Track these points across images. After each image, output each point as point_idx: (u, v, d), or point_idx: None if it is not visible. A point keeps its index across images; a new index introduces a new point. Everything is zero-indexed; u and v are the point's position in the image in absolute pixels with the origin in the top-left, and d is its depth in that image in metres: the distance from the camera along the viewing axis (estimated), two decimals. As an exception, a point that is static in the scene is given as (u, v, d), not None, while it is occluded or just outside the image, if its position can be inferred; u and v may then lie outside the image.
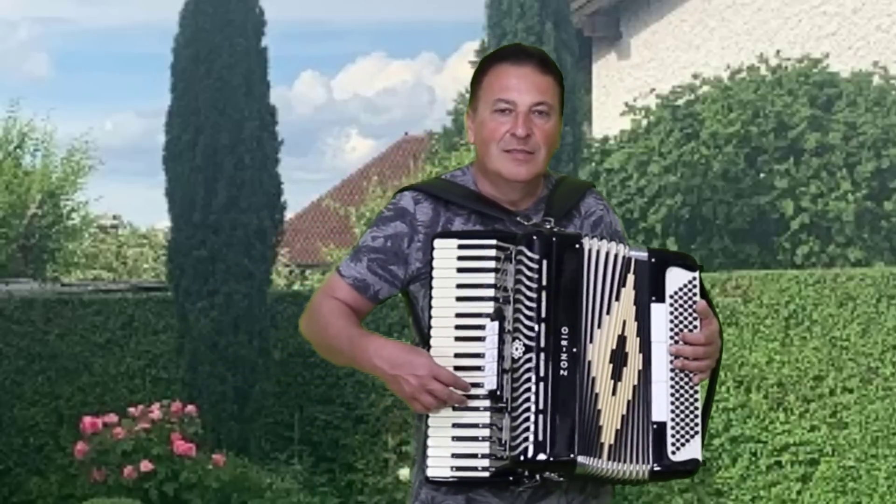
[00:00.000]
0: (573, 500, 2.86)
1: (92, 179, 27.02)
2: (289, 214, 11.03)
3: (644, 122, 11.69)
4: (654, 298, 2.84)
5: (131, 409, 8.69)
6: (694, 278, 2.90)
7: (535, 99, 2.88)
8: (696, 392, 2.85)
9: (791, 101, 10.57)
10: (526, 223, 2.87)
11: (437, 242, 2.81)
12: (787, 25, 12.56)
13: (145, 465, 8.20)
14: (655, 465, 2.79)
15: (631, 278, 2.83)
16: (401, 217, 2.92)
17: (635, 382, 2.80)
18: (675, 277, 2.88)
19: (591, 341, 2.77)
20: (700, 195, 10.51)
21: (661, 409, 2.81)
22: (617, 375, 2.79)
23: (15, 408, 9.88)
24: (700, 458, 2.84)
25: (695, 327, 2.86)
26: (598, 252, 2.81)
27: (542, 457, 2.70)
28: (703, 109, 11.07)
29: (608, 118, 13.66)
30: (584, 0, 14.14)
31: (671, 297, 2.86)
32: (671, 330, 2.84)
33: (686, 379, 2.84)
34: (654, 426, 2.80)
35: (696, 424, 2.84)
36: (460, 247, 2.80)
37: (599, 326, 2.79)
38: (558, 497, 2.83)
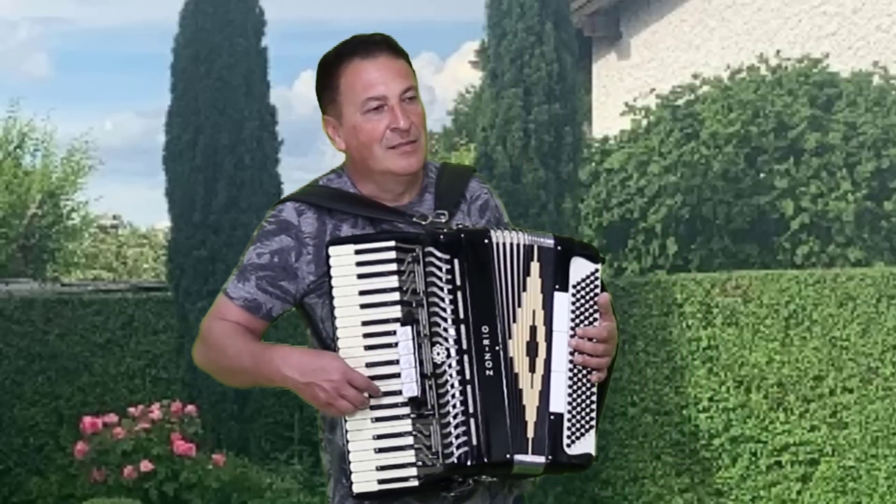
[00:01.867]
0: (496, 495, 2.80)
1: (92, 179, 27.01)
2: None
3: (644, 122, 11.68)
4: (557, 287, 2.76)
5: (131, 409, 8.69)
6: (597, 270, 2.80)
7: (402, 86, 2.79)
8: (592, 385, 2.77)
9: (791, 101, 10.57)
10: (424, 222, 2.79)
11: (332, 250, 2.69)
12: (787, 25, 12.56)
13: (145, 465, 8.20)
14: (550, 456, 2.71)
15: (535, 266, 2.75)
16: (285, 230, 2.80)
17: (542, 372, 2.73)
18: (579, 268, 2.79)
19: (510, 337, 2.70)
20: (700, 195, 10.51)
21: (558, 401, 2.73)
22: (532, 367, 2.72)
23: (15, 408, 9.88)
24: (594, 452, 2.76)
25: (595, 320, 2.78)
26: (503, 244, 2.73)
27: (478, 461, 2.63)
28: (703, 109, 11.06)
29: (608, 118, 13.66)
30: (584, 0, 14.14)
31: (574, 286, 2.78)
32: (572, 321, 2.76)
33: (584, 372, 2.76)
34: (552, 417, 2.72)
35: (592, 419, 2.76)
36: (357, 252, 2.68)
37: (514, 321, 2.71)
38: (482, 494, 2.77)
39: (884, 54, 11.45)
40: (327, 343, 2.77)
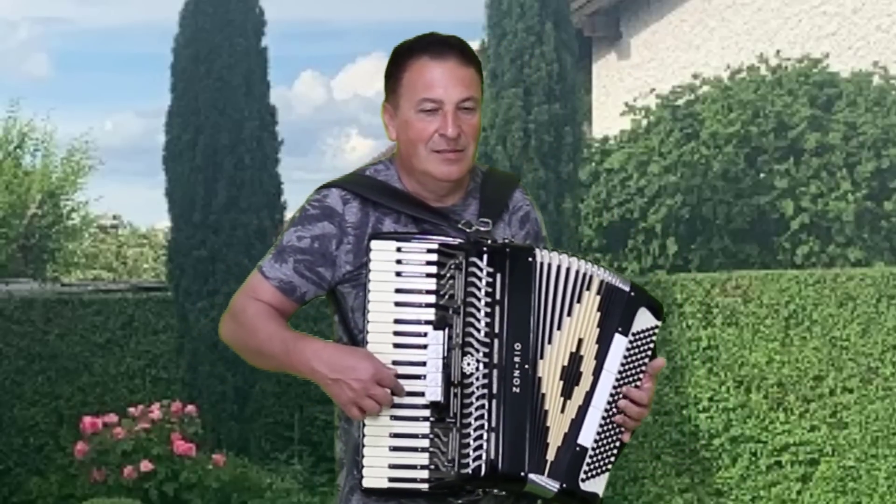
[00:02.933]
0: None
1: (92, 179, 27.02)
2: (289, 214, 11.02)
3: (644, 122, 11.68)
4: (620, 329, 2.78)
5: (131, 409, 8.69)
6: (657, 326, 2.84)
7: (462, 95, 2.78)
8: (620, 434, 2.80)
9: (791, 101, 10.57)
10: (468, 230, 2.78)
11: (375, 244, 2.69)
12: (787, 25, 12.56)
13: (145, 465, 8.20)
14: (564, 484, 2.72)
15: (591, 297, 2.76)
16: (328, 217, 2.80)
17: (580, 403, 2.75)
18: (643, 319, 2.83)
19: (541, 357, 2.71)
20: (700, 195, 10.51)
21: (588, 435, 2.75)
22: (567, 393, 2.73)
23: (15, 408, 9.88)
24: (601, 494, 2.79)
25: (642, 373, 2.82)
26: (549, 265, 2.73)
27: (492, 475, 2.64)
28: (703, 109, 11.06)
29: (608, 118, 13.66)
30: (584, 0, 14.14)
31: (634, 334, 2.80)
32: (622, 366, 2.79)
33: (617, 417, 2.79)
34: (577, 448, 2.74)
35: (610, 462, 2.80)
36: (399, 249, 2.68)
37: (550, 342, 2.72)
38: (488, 502, 2.77)
39: (884, 54, 11.44)
40: (354, 334, 2.78)
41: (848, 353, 8.64)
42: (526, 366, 2.68)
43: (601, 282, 2.78)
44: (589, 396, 2.76)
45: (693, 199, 10.54)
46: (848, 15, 12.03)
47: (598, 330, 2.77)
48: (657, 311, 2.85)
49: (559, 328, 2.73)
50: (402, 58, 2.83)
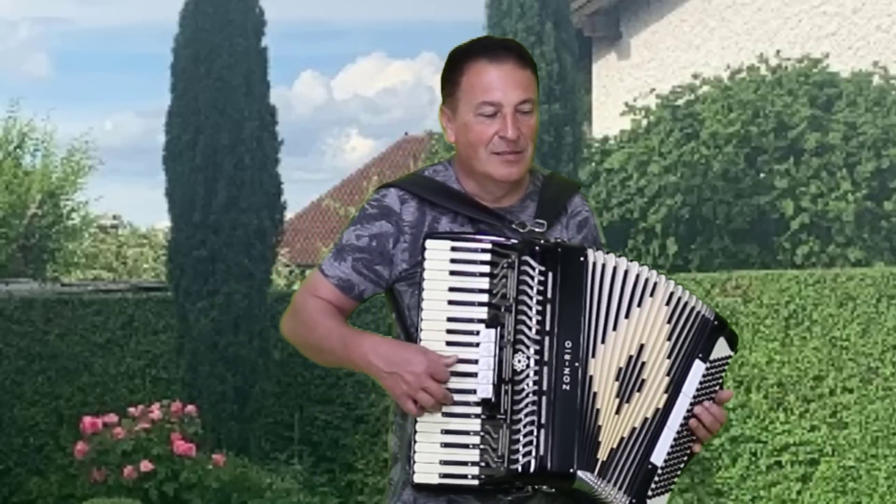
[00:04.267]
0: (553, 502, 2.82)
1: (92, 179, 27.03)
2: (289, 214, 11.03)
3: (644, 122, 11.69)
4: (700, 356, 2.83)
5: (131, 409, 8.69)
6: (730, 356, 2.91)
7: (520, 98, 2.81)
8: (688, 454, 2.86)
9: (791, 101, 10.57)
10: (522, 230, 2.81)
11: (429, 243, 2.73)
12: (787, 25, 12.56)
13: (145, 465, 8.21)
14: (634, 500, 2.77)
15: (661, 308, 2.79)
16: (386, 216, 2.84)
17: (648, 415, 2.78)
18: (721, 348, 2.89)
19: (593, 356, 2.73)
20: (700, 195, 10.51)
21: (660, 454, 2.80)
22: (624, 396, 2.76)
23: (15, 408, 9.89)
24: None
25: (712, 401, 2.87)
26: (603, 266, 2.76)
27: (542, 471, 2.67)
28: (703, 109, 11.07)
29: (608, 118, 13.66)
30: (584, 0, 14.14)
31: (711, 362, 2.86)
32: (698, 390, 2.84)
33: (688, 440, 2.85)
34: (649, 466, 2.78)
35: (673, 482, 2.85)
36: (454, 249, 2.72)
37: (603, 342, 2.74)
38: (538, 499, 2.79)
39: (884, 54, 11.45)
40: (410, 332, 2.80)
41: (848, 353, 8.64)
42: (576, 363, 2.71)
43: (671, 294, 2.81)
44: (664, 416, 2.80)
45: (693, 199, 10.54)
46: (848, 15, 12.03)
47: (668, 343, 2.80)
48: (733, 343, 2.92)
49: (614, 329, 2.75)
50: (460, 61, 2.85)
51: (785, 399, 8.79)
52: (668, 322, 2.81)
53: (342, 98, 63.51)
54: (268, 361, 9.57)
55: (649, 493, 2.79)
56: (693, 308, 2.84)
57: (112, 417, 8.58)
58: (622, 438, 2.76)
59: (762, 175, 10.49)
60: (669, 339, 2.81)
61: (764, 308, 8.86)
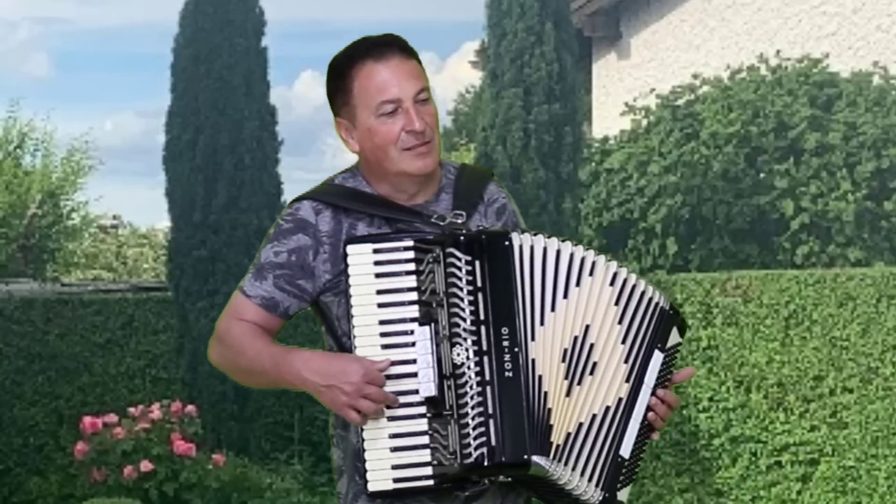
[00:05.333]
0: (508, 494, 2.81)
1: (92, 179, 26.97)
2: (289, 214, 11.00)
3: (644, 122, 11.69)
4: (659, 346, 2.83)
5: (131, 409, 8.69)
6: (680, 343, 2.90)
7: (416, 88, 2.80)
8: (647, 445, 2.87)
9: (791, 101, 10.57)
10: (442, 223, 2.79)
11: (350, 248, 2.70)
12: (787, 25, 12.56)
13: (145, 465, 8.20)
14: (607, 493, 2.77)
15: (604, 289, 2.76)
16: (302, 229, 2.81)
17: (609, 404, 2.77)
18: (674, 335, 2.89)
19: (532, 339, 2.70)
20: (700, 195, 10.51)
21: (627, 446, 2.80)
22: (574, 379, 2.74)
23: (15, 408, 9.88)
24: (625, 501, 2.85)
25: (666, 387, 2.87)
26: (531, 248, 2.73)
27: (496, 461, 2.65)
28: (703, 109, 11.06)
29: (608, 118, 13.66)
30: (584, 0, 14.14)
31: (667, 351, 2.86)
32: (657, 381, 2.84)
33: (647, 430, 2.85)
34: (619, 459, 2.78)
35: (636, 473, 2.85)
36: (376, 251, 2.69)
37: (542, 324, 2.72)
38: (493, 493, 2.78)
39: (884, 54, 11.45)
40: (343, 341, 2.78)
41: (848, 353, 8.64)
42: (516, 349, 2.68)
43: (615, 275, 2.79)
44: (630, 408, 2.80)
45: (693, 199, 10.54)
46: (848, 15, 12.03)
47: (619, 328, 2.79)
48: (682, 331, 2.92)
49: (553, 310, 2.73)
50: (345, 69, 2.83)
51: (785, 399, 8.79)
52: (616, 304, 2.78)
53: (342, 98, 63.39)
54: (268, 361, 9.56)
55: (619, 485, 2.79)
56: (643, 293, 2.82)
57: (112, 417, 8.58)
58: (580, 424, 2.74)
59: (762, 175, 10.49)
60: (620, 322, 2.78)
61: (764, 308, 8.85)
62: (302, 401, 9.96)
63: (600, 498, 2.76)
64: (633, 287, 2.81)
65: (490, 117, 9.54)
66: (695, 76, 11.66)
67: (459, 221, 2.80)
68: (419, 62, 2.86)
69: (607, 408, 2.76)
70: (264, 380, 2.85)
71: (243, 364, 2.83)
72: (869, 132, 10.15)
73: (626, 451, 2.79)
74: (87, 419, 8.56)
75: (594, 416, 2.75)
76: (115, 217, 26.06)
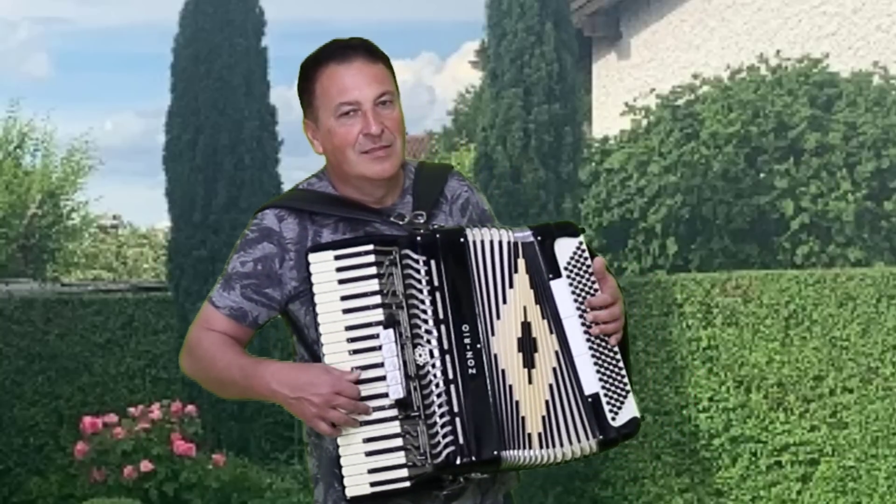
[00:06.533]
0: (487, 491, 2.82)
1: (92, 179, 27.01)
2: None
3: (644, 122, 11.69)
4: (551, 276, 2.79)
5: (131, 409, 8.69)
6: (581, 243, 2.82)
7: (376, 92, 2.80)
8: (616, 353, 2.81)
9: (791, 101, 10.57)
10: (401, 223, 2.80)
11: (312, 257, 2.70)
12: (787, 25, 12.56)
13: (145, 465, 8.20)
14: (601, 435, 2.75)
15: (521, 262, 2.77)
16: (267, 237, 2.82)
17: (554, 364, 2.76)
18: (564, 248, 2.81)
19: (493, 334, 2.72)
20: (700, 195, 10.51)
21: (590, 382, 2.77)
22: (529, 363, 2.74)
23: (15, 408, 9.88)
24: (638, 414, 2.81)
25: (596, 290, 2.81)
26: (482, 242, 2.75)
27: (466, 460, 2.66)
28: (703, 109, 11.06)
29: (608, 118, 13.66)
30: (584, 0, 14.14)
31: (566, 268, 2.80)
32: (576, 301, 2.79)
33: (604, 344, 2.79)
34: (590, 399, 2.76)
35: (626, 384, 2.81)
36: (337, 257, 2.69)
37: (499, 317, 2.73)
38: (472, 491, 2.79)
39: (884, 54, 11.45)
40: (313, 349, 2.78)
41: (848, 353, 8.64)
42: (478, 345, 2.70)
43: (521, 244, 2.78)
44: (565, 352, 2.77)
45: (693, 199, 10.54)
46: (848, 15, 12.03)
47: (531, 291, 2.77)
48: (573, 232, 2.84)
49: (504, 302, 2.75)
50: (311, 70, 2.85)
51: (785, 399, 8.79)
52: (528, 272, 2.77)
53: (342, 98, 63.38)
54: (268, 361, 9.56)
55: (609, 416, 2.76)
56: (524, 242, 2.78)
57: (112, 417, 8.58)
58: (546, 402, 2.74)
59: (762, 175, 10.49)
60: (532, 286, 2.77)
61: (764, 308, 8.85)
62: (302, 401, 9.97)
63: (596, 442, 2.76)
64: (521, 243, 2.78)
65: (490, 117, 9.54)
66: (695, 76, 11.66)
67: (420, 221, 2.81)
68: (387, 66, 2.86)
69: (554, 369, 2.76)
70: (235, 391, 2.85)
71: (213, 375, 2.83)
72: (869, 132, 10.15)
73: (591, 387, 2.77)
74: (87, 419, 8.57)
75: (551, 385, 2.75)
76: (115, 217, 26.07)
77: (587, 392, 2.76)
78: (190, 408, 8.71)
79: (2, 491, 9.72)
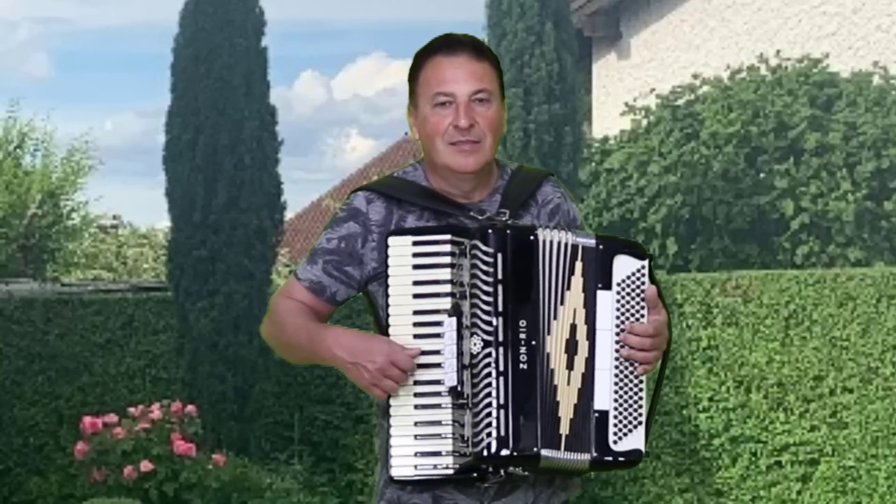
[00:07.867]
0: (541, 494, 2.84)
1: (92, 179, 26.99)
2: (289, 214, 11.03)
3: (644, 122, 11.69)
4: (600, 286, 2.80)
5: (131, 409, 8.69)
6: (643, 267, 2.83)
7: (474, 87, 2.85)
8: (640, 382, 2.82)
9: (791, 101, 10.57)
10: (480, 217, 2.84)
11: (392, 240, 2.78)
12: (787, 25, 12.56)
13: (145, 465, 8.21)
14: (596, 453, 2.77)
15: (579, 266, 2.80)
16: (354, 217, 2.91)
17: (583, 370, 2.78)
18: (623, 265, 2.82)
19: (548, 333, 2.75)
20: (700, 195, 10.52)
21: (603, 398, 2.78)
22: (570, 365, 2.77)
23: (15, 408, 9.88)
24: (643, 449, 2.82)
25: (642, 316, 2.82)
26: (551, 242, 2.78)
27: (504, 452, 2.68)
28: (703, 109, 11.07)
29: (608, 118, 13.66)
30: (584, 0, 14.14)
31: (618, 284, 2.81)
32: (617, 318, 2.80)
33: (630, 368, 2.81)
34: (597, 415, 2.78)
35: (640, 415, 2.82)
36: (415, 243, 2.76)
37: (556, 318, 2.76)
38: (525, 491, 2.81)
39: (884, 54, 11.45)
40: (386, 331, 2.83)
41: (848, 353, 8.65)
42: (533, 342, 2.73)
43: (581, 248, 2.81)
44: (591, 361, 2.79)
45: (693, 199, 10.54)
46: (848, 15, 12.03)
47: (583, 295, 2.80)
48: (638, 254, 2.85)
49: (562, 303, 2.78)
50: (419, 59, 2.93)
51: (785, 399, 8.80)
52: (583, 276, 2.80)
53: (342, 98, 63.47)
54: (268, 361, 9.56)
55: (612, 438, 2.77)
56: (584, 245, 2.80)
57: (112, 417, 8.58)
58: (575, 406, 2.76)
59: (762, 175, 10.49)
60: (584, 290, 2.80)
61: (764, 308, 8.86)
62: (302, 401, 9.97)
63: (588, 459, 2.77)
64: (583, 247, 2.80)
65: (490, 117, 9.53)
66: (695, 76, 11.66)
67: (501, 219, 2.85)
68: (494, 67, 2.91)
69: (583, 375, 2.79)
70: (301, 354, 2.93)
71: (284, 338, 2.93)
72: (869, 132, 10.15)
73: (602, 403, 2.78)
74: (87, 419, 8.57)
75: (579, 391, 2.78)
76: (115, 217, 26.04)
77: (596, 407, 2.78)
78: (190, 408, 8.71)
79: (2, 491, 9.72)
